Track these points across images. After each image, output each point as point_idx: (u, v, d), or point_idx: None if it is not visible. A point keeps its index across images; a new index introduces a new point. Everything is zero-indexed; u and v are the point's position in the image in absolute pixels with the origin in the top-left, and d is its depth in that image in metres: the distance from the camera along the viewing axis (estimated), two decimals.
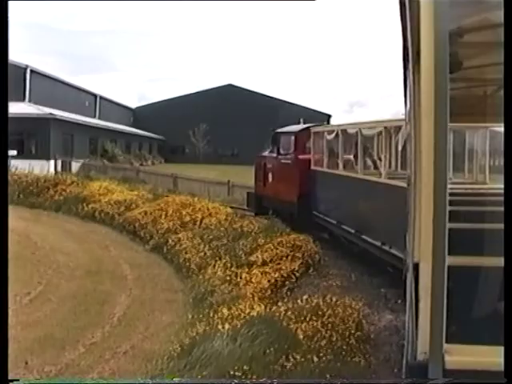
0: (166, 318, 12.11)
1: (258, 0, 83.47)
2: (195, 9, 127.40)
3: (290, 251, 14.04)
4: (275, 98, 65.60)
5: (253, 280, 12.66)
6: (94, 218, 22.81)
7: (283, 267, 13.27)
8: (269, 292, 12.23)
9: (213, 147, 62.88)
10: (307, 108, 60.90)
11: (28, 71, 42.12)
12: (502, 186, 2.89)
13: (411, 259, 3.42)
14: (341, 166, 14.84)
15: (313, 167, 17.01)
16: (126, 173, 37.27)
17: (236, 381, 7.29)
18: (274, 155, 19.46)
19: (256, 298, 11.62)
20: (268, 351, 8.33)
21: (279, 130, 19.80)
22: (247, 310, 10.34)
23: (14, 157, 33.23)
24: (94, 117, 55.87)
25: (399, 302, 10.36)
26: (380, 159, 12.55)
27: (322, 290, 11.82)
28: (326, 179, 15.80)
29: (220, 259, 14.68)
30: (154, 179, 33.38)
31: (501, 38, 2.68)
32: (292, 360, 8.19)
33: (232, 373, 7.74)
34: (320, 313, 9.61)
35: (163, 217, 19.95)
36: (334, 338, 8.85)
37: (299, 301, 10.68)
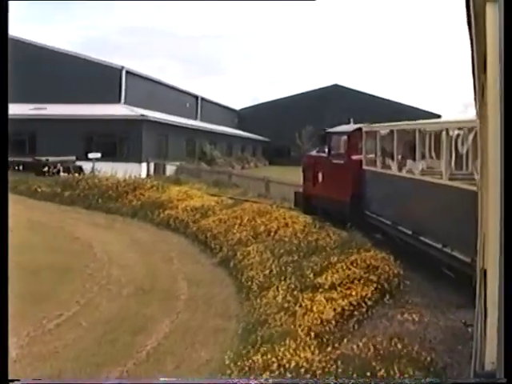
0: (205, 354, 10.00)
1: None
2: (303, 11, 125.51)
3: (365, 273, 11.60)
4: (383, 98, 62.68)
5: (314, 309, 10.33)
6: (169, 225, 21.19)
7: (353, 293, 10.85)
8: (330, 325, 9.85)
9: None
10: (417, 108, 57.63)
11: (124, 72, 41.19)
12: None
13: (479, 265, 3.58)
14: (395, 166, 14.31)
15: (365, 167, 16.46)
16: (220, 176, 35.62)
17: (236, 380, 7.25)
18: (325, 155, 18.94)
19: (312, 334, 9.30)
20: None
21: (330, 130, 19.26)
22: (288, 356, 8.05)
23: (101, 159, 32.33)
24: (196, 118, 54.78)
25: None
26: (438, 159, 12.21)
27: (395, 327, 9.34)
28: (380, 179, 15.40)
29: (285, 279, 12.47)
30: (247, 183, 31.41)
31: None
32: None
33: None
34: (374, 365, 7.21)
35: (237, 226, 18.00)
36: None
37: (359, 342, 8.31)
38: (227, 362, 8.88)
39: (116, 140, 37.62)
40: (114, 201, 25.11)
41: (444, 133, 11.45)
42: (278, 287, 12.16)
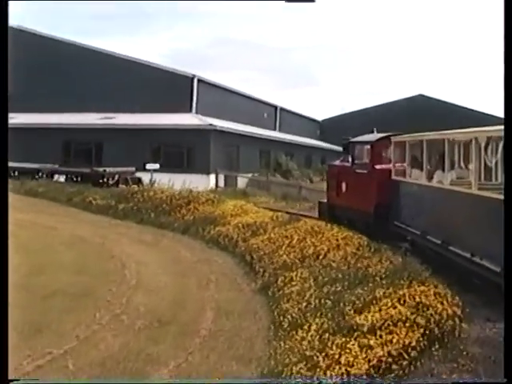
0: None
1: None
2: (389, 23, 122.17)
3: (412, 313, 9.27)
4: (466, 108, 59.18)
5: (342, 360, 8.12)
6: (218, 243, 19.26)
7: (395, 339, 8.58)
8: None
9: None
10: (500, 118, 53.81)
11: (195, 81, 39.70)
12: None
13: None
14: (425, 176, 14.38)
15: (394, 177, 16.46)
16: (289, 189, 33.58)
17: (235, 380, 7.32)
18: (348, 164, 18.79)
19: None
20: None
21: (354, 140, 19.10)
22: None
23: (167, 171, 30.93)
24: (274, 129, 52.89)
25: None
26: (467, 169, 12.53)
27: None
28: (408, 189, 15.48)
29: (321, 316, 10.30)
30: (316, 196, 29.19)
31: None
32: None
33: None
34: None
35: (285, 246, 15.88)
36: None
37: None
38: None
39: (184, 150, 36.16)
40: (166, 215, 23.38)
41: (473, 142, 11.33)
42: (310, 326, 10.00)
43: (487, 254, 10.44)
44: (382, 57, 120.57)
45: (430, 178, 14.11)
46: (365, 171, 17.52)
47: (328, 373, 7.91)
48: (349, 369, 7.94)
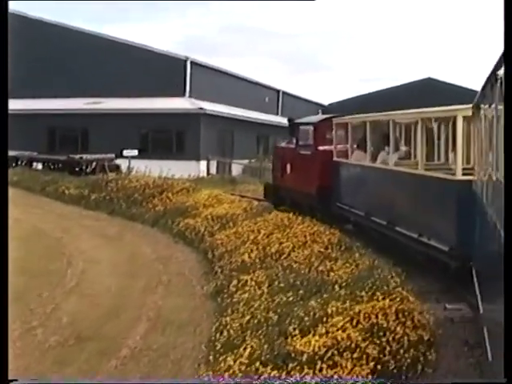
0: None
1: None
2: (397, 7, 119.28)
3: (364, 339, 7.23)
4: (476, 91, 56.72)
5: None
6: (185, 237, 17.31)
7: (336, 375, 6.57)
8: None
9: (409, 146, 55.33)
10: None
11: (188, 63, 37.46)
12: None
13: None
14: (369, 157, 14.12)
15: (336, 159, 16.20)
16: None
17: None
18: (293, 146, 18.56)
19: None
20: None
21: (297, 121, 19.04)
22: None
23: (155, 157, 29.14)
24: (277, 114, 50.64)
25: None
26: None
27: None
28: (351, 171, 15.52)
29: (259, 336, 8.33)
30: None
31: None
32: None
33: None
34: None
35: (249, 243, 13.90)
36: None
37: None
38: None
39: (173, 136, 34.16)
40: (138, 205, 21.48)
41: (419, 123, 11.30)
42: (244, 349, 8.01)
43: (435, 234, 10.51)
44: (392, 41, 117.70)
45: (374, 159, 13.93)
46: (308, 152, 17.31)
47: None
48: None
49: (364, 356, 6.88)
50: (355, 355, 6.93)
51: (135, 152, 27.99)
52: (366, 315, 7.74)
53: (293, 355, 7.33)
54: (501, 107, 5.25)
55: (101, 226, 20.06)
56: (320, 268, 10.89)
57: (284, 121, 46.40)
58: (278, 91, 52.16)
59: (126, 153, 27.83)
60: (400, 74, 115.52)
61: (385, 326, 7.48)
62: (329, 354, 7.07)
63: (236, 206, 18.44)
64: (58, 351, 9.36)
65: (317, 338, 7.55)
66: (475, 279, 9.11)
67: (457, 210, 9.90)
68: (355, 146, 15.35)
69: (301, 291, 9.89)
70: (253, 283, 11.22)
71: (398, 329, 7.41)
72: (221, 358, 8.12)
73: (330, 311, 8.33)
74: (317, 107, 61.19)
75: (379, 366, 6.74)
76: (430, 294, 10.23)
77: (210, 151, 34.16)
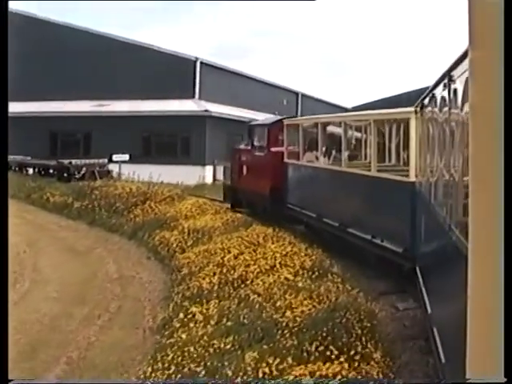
0: None
1: None
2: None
3: None
4: None
5: None
6: (157, 253, 15.36)
7: None
8: None
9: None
10: None
11: (198, 64, 35.41)
12: None
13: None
14: (321, 158, 14.34)
15: (287, 160, 16.37)
16: None
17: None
18: (249, 148, 18.76)
19: None
20: None
21: (253, 123, 19.75)
22: None
23: (159, 162, 27.31)
24: (296, 117, 48.42)
25: None
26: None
27: None
28: (302, 172, 15.64)
29: None
30: None
31: None
32: None
33: None
34: None
35: (214, 264, 11.86)
36: None
37: None
38: None
39: (177, 140, 32.16)
40: (119, 215, 19.52)
41: (372, 125, 11.36)
42: None
43: (388, 235, 10.50)
44: (414, 44, 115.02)
45: (326, 160, 14.05)
46: (262, 154, 17.50)
47: None
48: None
49: None
50: None
51: (126, 157, 26.05)
52: None
53: None
54: (456, 110, 5.02)
55: (75, 237, 18.18)
56: (278, 303, 8.71)
57: None
58: (296, 93, 50.04)
59: (115, 157, 25.91)
60: (423, 78, 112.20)
61: None
62: None
63: (218, 218, 16.46)
64: None
65: None
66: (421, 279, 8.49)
67: (411, 211, 9.59)
68: (306, 147, 15.31)
69: (244, 335, 7.79)
70: (200, 318, 9.20)
71: None
72: None
73: (261, 374, 6.18)
74: (339, 110, 58.96)
75: None
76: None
77: (217, 156, 32.08)
